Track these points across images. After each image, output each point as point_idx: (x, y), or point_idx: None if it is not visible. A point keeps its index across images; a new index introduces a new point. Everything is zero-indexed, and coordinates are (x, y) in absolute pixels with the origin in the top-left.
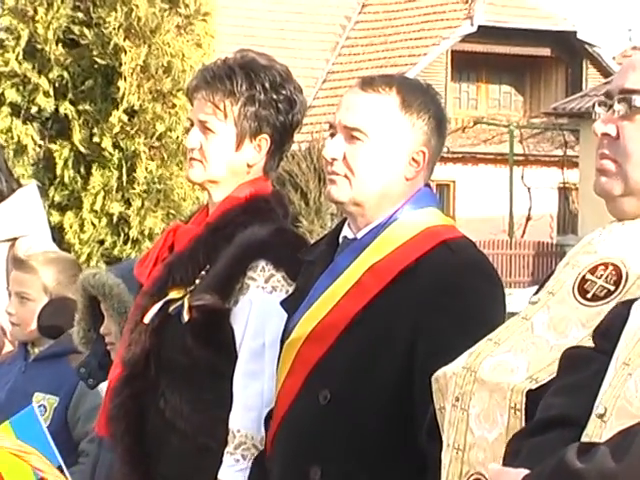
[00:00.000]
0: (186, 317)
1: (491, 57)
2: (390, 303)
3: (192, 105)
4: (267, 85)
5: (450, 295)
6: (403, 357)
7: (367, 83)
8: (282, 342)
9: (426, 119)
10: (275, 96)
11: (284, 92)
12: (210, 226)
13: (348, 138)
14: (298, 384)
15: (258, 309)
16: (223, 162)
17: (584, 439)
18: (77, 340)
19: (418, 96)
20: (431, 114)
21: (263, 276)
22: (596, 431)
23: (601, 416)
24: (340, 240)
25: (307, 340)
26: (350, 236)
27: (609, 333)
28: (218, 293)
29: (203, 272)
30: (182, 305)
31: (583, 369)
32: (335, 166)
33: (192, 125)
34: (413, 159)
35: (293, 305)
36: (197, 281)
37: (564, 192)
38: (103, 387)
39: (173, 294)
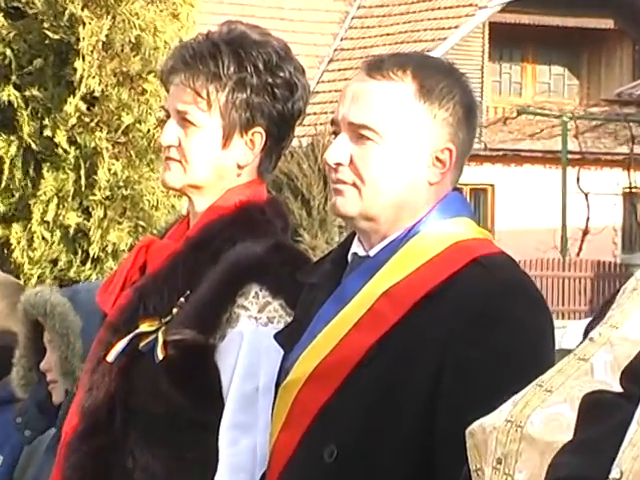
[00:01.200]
0: (160, 355)
1: (539, 31)
2: (411, 335)
3: (167, 92)
4: (260, 66)
5: (485, 325)
6: (427, 402)
7: (375, 67)
8: (277, 384)
9: (450, 108)
10: (271, 79)
11: (282, 74)
12: (191, 241)
13: (355, 138)
14: (297, 437)
15: (250, 345)
16: (207, 162)
17: None
18: (15, 382)
19: (439, 80)
20: (456, 101)
21: (257, 304)
22: None
23: None
24: (349, 258)
25: (308, 382)
26: (361, 253)
27: (639, 374)
28: (200, 325)
29: (182, 299)
30: (155, 340)
31: (605, 420)
32: (340, 173)
33: (168, 117)
34: (437, 159)
35: (290, 339)
36: (174, 310)
37: (630, 199)
38: None
39: (144, 326)
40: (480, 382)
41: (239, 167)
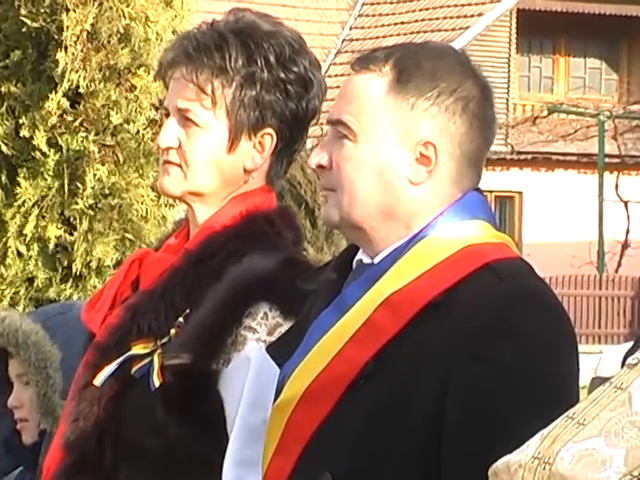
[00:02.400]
0: (157, 382)
1: (573, 19)
2: (411, 349)
3: (166, 88)
4: (272, 59)
5: (495, 339)
6: (430, 424)
7: (360, 60)
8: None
9: (433, 97)
10: (283, 74)
11: (295, 69)
12: (191, 255)
13: (335, 137)
14: (290, 463)
15: (258, 372)
16: (211, 167)
17: None
18: None
19: (425, 66)
20: (444, 89)
21: (266, 326)
22: None
23: None
24: (354, 265)
25: (301, 402)
26: (366, 260)
27: None
28: (203, 349)
29: (181, 319)
30: (151, 365)
31: None
32: (324, 178)
33: (167, 115)
34: (421, 154)
35: (285, 351)
36: (172, 331)
37: None
38: None
39: (138, 348)
40: (489, 404)
41: (246, 172)
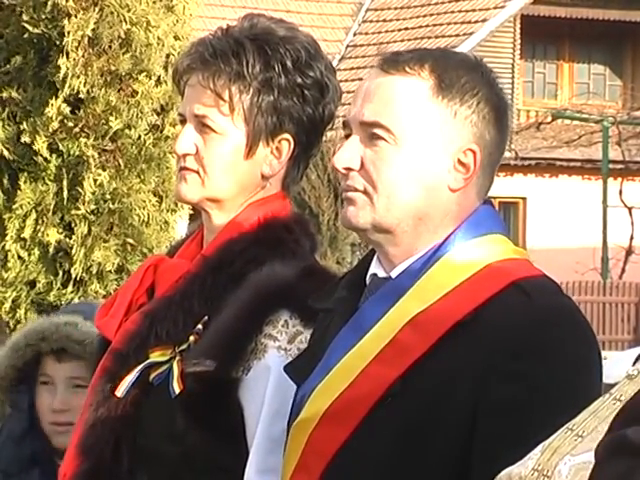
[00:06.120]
0: (177, 389)
1: (577, 24)
2: (440, 369)
3: (181, 94)
4: (289, 64)
5: (527, 358)
6: (458, 444)
7: (390, 62)
8: (289, 423)
9: (474, 105)
10: (300, 79)
11: (312, 74)
12: (209, 261)
13: (367, 139)
14: None
15: (279, 381)
16: (229, 173)
17: None
18: None
19: (461, 74)
20: (482, 98)
21: (286, 334)
22: None
23: None
24: (367, 280)
25: (322, 421)
26: (381, 275)
27: None
28: (223, 356)
29: (199, 326)
30: (170, 372)
31: None
32: (351, 179)
33: (183, 122)
34: (459, 162)
35: (303, 370)
36: (191, 338)
37: None
38: None
39: (156, 356)
40: (522, 422)
41: (264, 178)
